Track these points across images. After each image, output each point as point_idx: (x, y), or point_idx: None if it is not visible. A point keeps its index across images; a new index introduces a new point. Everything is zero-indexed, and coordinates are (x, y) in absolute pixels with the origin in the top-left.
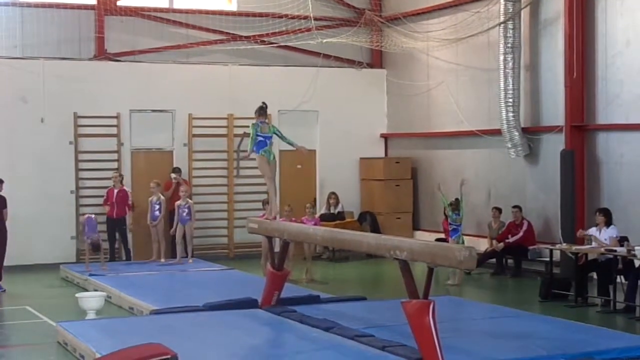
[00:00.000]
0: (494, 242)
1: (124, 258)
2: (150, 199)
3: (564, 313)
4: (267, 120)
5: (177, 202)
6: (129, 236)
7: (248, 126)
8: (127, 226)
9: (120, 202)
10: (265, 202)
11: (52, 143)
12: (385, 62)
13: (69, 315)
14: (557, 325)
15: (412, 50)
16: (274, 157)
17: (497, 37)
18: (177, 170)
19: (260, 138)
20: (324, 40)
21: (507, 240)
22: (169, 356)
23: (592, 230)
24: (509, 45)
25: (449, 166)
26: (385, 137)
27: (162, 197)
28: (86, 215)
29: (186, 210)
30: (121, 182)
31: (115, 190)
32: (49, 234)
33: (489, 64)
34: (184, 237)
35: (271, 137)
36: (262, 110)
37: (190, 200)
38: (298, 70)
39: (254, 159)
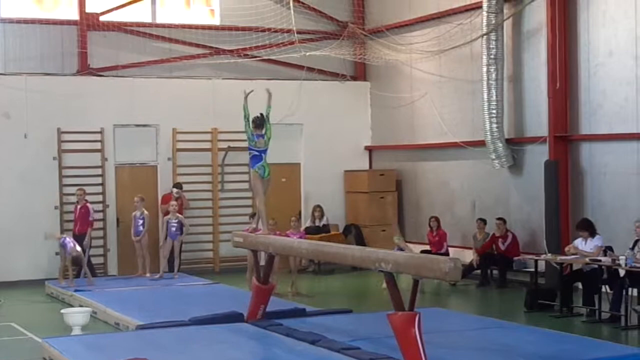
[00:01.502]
0: (475, 255)
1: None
2: (133, 213)
3: (549, 323)
4: (262, 133)
5: (166, 217)
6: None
7: (232, 140)
8: (85, 243)
9: (82, 218)
10: (252, 215)
11: (36, 159)
12: (369, 75)
13: (54, 331)
14: (542, 335)
15: (396, 63)
16: (269, 173)
17: (480, 49)
18: (178, 186)
19: (255, 152)
20: (308, 54)
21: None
22: None
23: (578, 242)
24: (492, 56)
25: (434, 178)
26: (370, 150)
27: (145, 212)
28: (59, 237)
29: (175, 225)
30: (84, 198)
31: (78, 207)
32: (33, 250)
33: (473, 76)
34: (172, 251)
35: (266, 150)
36: (257, 122)
37: (180, 215)
38: (282, 83)
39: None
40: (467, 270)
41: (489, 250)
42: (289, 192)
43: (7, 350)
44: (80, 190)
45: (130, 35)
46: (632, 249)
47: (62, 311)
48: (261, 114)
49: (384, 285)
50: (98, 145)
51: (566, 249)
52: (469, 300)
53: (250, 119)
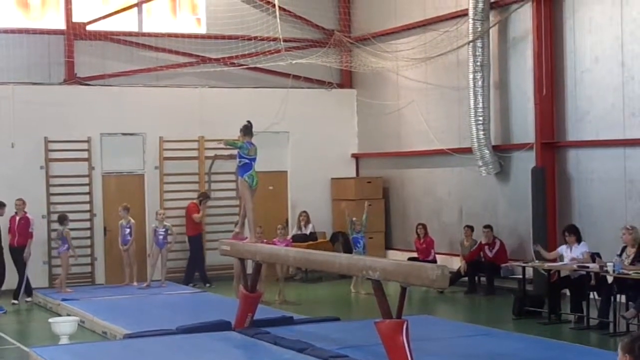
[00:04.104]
0: (463, 262)
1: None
2: (120, 222)
3: (537, 330)
4: (252, 141)
5: (154, 225)
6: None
7: (219, 148)
8: (26, 254)
9: (22, 230)
10: (236, 223)
11: (23, 168)
12: (355, 82)
13: (42, 341)
14: (530, 342)
15: (382, 70)
16: (257, 183)
17: (466, 56)
18: (205, 196)
19: (245, 160)
20: (294, 62)
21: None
22: None
23: (563, 248)
24: (478, 63)
25: (421, 185)
26: (357, 157)
27: (132, 220)
28: None
29: (163, 233)
30: (23, 209)
31: (17, 218)
32: None
33: (459, 83)
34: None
35: (255, 158)
36: (247, 130)
37: (167, 224)
38: (268, 91)
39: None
40: (455, 277)
41: (477, 257)
42: (276, 200)
43: None
44: (19, 200)
45: (117, 44)
46: (620, 255)
47: (49, 320)
48: (248, 121)
49: (353, 287)
50: (85, 154)
51: (534, 247)
52: (456, 307)
53: (241, 132)
